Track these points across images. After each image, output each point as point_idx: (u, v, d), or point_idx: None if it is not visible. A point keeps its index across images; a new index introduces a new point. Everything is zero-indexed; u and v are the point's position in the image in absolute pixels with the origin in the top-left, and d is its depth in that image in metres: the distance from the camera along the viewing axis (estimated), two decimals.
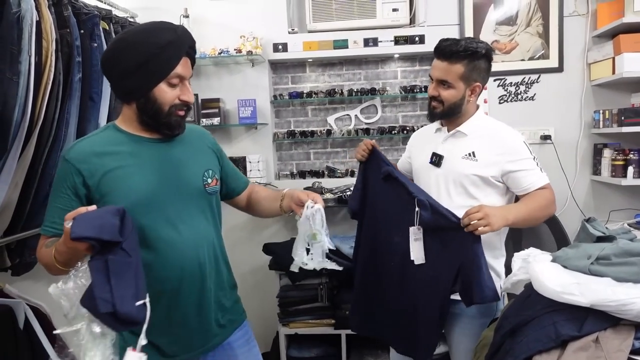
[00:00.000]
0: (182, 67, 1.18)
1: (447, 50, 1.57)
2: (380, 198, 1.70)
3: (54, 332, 1.01)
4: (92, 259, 0.98)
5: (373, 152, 1.71)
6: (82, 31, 1.86)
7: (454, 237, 1.48)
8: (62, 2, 1.77)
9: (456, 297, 1.54)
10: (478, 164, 1.58)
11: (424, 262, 1.54)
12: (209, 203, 1.32)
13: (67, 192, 1.16)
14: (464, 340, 1.63)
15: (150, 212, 1.19)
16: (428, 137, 1.77)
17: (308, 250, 1.33)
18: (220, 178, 1.39)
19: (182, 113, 1.22)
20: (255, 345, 1.44)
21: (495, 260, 1.63)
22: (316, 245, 1.31)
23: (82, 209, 0.99)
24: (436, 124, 1.75)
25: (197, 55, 2.69)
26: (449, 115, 1.64)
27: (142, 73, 1.14)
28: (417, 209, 1.52)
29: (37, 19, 1.61)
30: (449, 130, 1.67)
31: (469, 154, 1.60)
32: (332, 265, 1.37)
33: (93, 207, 1.01)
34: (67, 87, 1.77)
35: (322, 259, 1.34)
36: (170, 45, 1.14)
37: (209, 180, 1.30)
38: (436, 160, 1.65)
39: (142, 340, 1.01)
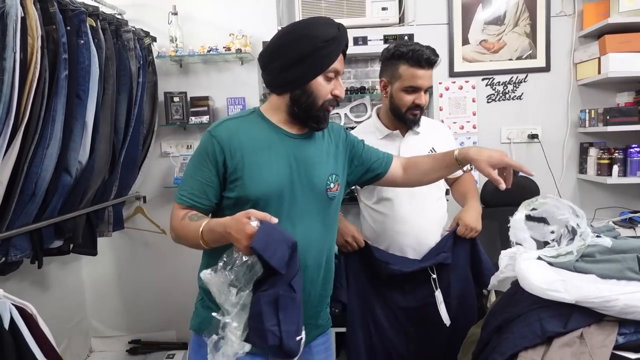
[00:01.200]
0: (339, 62, 1.22)
1: (433, 59, 1.63)
2: (376, 284, 1.71)
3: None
4: (263, 291, 1.01)
5: (364, 250, 1.69)
6: (68, 28, 1.83)
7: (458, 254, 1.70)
8: None
9: None
10: None
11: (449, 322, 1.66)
12: (328, 207, 1.31)
13: (209, 166, 1.20)
14: None
15: (274, 206, 1.19)
16: (376, 145, 1.68)
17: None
18: (361, 165, 1.43)
19: (331, 108, 1.26)
20: (332, 355, 1.42)
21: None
22: None
23: (268, 216, 1.02)
24: (379, 132, 1.75)
25: (185, 53, 2.71)
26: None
27: (304, 64, 1.18)
28: (433, 275, 1.65)
29: (22, 15, 1.58)
30: (403, 133, 1.74)
31: (431, 150, 1.71)
32: None
33: (275, 220, 1.03)
34: (53, 84, 1.75)
35: None
36: (333, 40, 1.19)
37: (332, 185, 1.30)
38: None
39: None
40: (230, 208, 1.20)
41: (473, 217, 1.68)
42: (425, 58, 1.60)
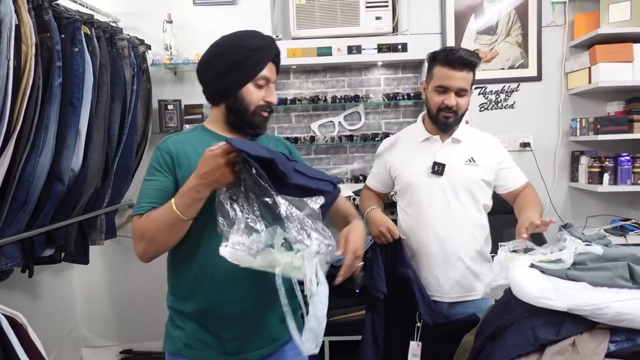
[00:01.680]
0: (268, 70, 1.29)
1: (466, 60, 1.60)
2: (390, 289, 1.68)
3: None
4: (290, 180, 1.09)
5: (395, 243, 1.67)
6: (62, 36, 1.83)
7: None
8: (43, 6, 1.75)
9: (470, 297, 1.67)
10: (479, 169, 1.67)
11: None
12: None
13: (165, 175, 1.24)
14: None
15: None
16: (414, 148, 1.75)
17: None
18: None
19: (265, 114, 1.32)
20: (306, 358, 1.42)
21: (488, 270, 1.70)
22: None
23: (223, 142, 1.08)
24: (419, 134, 1.75)
25: (179, 61, 2.71)
26: (459, 123, 1.69)
27: (234, 73, 1.26)
28: (418, 324, 1.59)
29: (17, 22, 1.58)
30: (443, 139, 1.71)
31: (469, 160, 1.67)
32: None
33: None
34: (46, 92, 1.74)
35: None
36: (259, 49, 1.27)
37: None
38: (439, 169, 1.66)
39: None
40: None
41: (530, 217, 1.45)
42: (456, 57, 1.59)
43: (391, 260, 1.68)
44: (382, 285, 1.65)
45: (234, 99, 1.28)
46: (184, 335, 1.27)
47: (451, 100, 1.63)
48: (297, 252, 1.04)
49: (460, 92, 1.63)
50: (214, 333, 1.26)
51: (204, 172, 1.09)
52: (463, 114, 1.67)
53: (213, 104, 1.34)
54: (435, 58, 1.66)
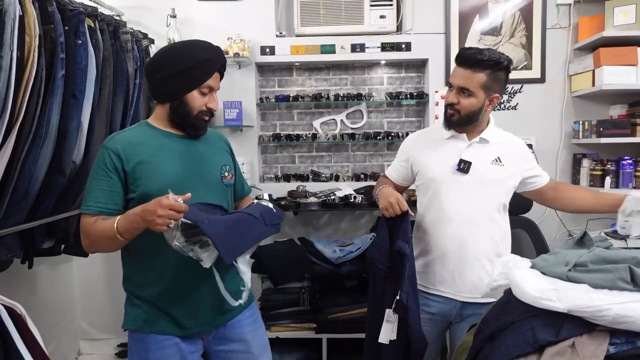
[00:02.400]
0: (213, 80, 1.41)
1: (471, 58, 1.57)
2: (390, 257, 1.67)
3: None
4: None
5: (403, 217, 1.64)
6: (66, 28, 1.83)
7: None
8: None
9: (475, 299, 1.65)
10: (505, 169, 1.65)
11: (387, 343, 1.60)
12: (226, 194, 1.51)
13: (111, 175, 1.33)
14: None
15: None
16: (439, 144, 1.72)
17: None
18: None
19: (206, 118, 1.44)
20: (261, 326, 1.59)
21: None
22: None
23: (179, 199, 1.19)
24: (444, 131, 1.71)
25: None
26: (466, 123, 1.65)
27: (181, 80, 1.37)
28: (397, 297, 1.57)
29: (21, 13, 1.58)
30: (470, 138, 1.68)
31: (496, 159, 1.66)
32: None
33: (188, 195, 1.21)
34: (49, 83, 1.74)
35: None
36: (207, 61, 1.38)
37: (226, 174, 1.50)
38: (465, 167, 1.64)
39: None
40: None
41: None
42: (460, 54, 1.61)
43: (396, 233, 1.65)
44: (386, 259, 1.65)
45: (178, 102, 1.38)
46: (142, 312, 1.39)
47: (450, 96, 1.63)
48: None
49: (462, 90, 1.60)
50: (169, 312, 1.39)
51: (147, 209, 1.19)
52: (470, 116, 1.62)
53: (158, 101, 1.44)
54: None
